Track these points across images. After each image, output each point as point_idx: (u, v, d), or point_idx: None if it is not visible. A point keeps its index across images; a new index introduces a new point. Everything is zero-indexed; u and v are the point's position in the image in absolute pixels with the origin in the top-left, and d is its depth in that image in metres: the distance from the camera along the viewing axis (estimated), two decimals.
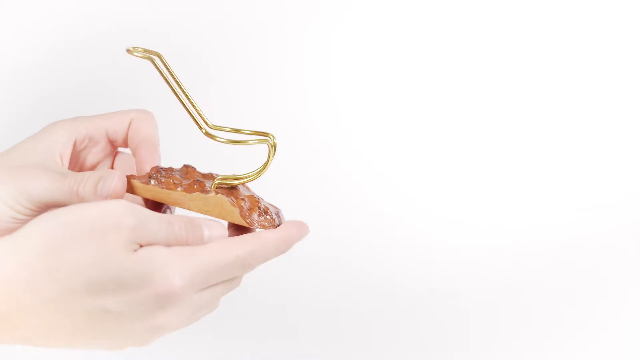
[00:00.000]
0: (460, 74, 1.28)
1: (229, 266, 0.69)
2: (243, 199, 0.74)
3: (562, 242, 1.26)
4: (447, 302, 1.22)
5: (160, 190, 0.74)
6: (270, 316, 1.19)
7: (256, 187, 0.79)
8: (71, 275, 0.66)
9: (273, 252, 0.72)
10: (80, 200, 0.72)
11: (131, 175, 0.76)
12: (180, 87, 0.74)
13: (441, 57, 1.27)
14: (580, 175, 1.29)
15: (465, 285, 1.24)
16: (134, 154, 0.80)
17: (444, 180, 1.28)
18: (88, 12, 1.21)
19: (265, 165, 0.74)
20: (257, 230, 0.74)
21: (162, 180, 0.75)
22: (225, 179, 0.74)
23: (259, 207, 0.74)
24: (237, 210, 0.73)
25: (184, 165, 0.77)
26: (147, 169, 0.78)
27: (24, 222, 0.71)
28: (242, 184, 0.75)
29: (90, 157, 0.82)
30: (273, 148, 0.74)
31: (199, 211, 0.74)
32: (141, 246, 0.67)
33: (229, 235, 0.72)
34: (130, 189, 0.75)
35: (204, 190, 0.74)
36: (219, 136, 0.75)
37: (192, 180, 0.75)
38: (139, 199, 0.77)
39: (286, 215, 0.77)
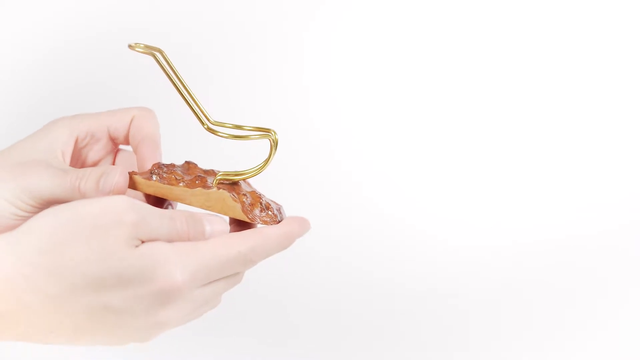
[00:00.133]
0: (460, 74, 1.28)
1: (230, 262, 0.69)
2: (245, 195, 0.74)
3: (562, 242, 1.26)
4: (447, 302, 1.22)
5: (162, 185, 0.74)
6: (270, 316, 1.19)
7: (256, 186, 0.79)
8: (72, 271, 0.66)
9: (275, 248, 0.72)
10: (82, 196, 0.72)
11: (133, 171, 0.76)
12: (182, 83, 0.75)
13: (441, 58, 1.28)
14: (580, 175, 1.29)
15: (465, 285, 1.24)
16: (135, 151, 0.80)
17: (444, 180, 1.28)
18: (88, 12, 1.21)
19: (267, 161, 0.74)
20: (259, 225, 0.74)
21: (164, 176, 0.75)
22: (227, 174, 0.75)
23: (261, 203, 0.74)
24: (238, 206, 0.73)
25: (186, 162, 0.78)
26: (149, 166, 0.78)
27: (25, 219, 0.71)
28: (244, 179, 0.75)
29: (92, 155, 0.82)
30: (275, 144, 0.74)
31: (201, 207, 0.74)
32: (143, 242, 0.67)
33: (231, 231, 0.73)
34: (132, 185, 0.76)
35: (205, 185, 0.74)
36: (221, 132, 0.75)
37: (193, 176, 0.75)
38: (140, 195, 0.77)
39: (286, 215, 0.77)
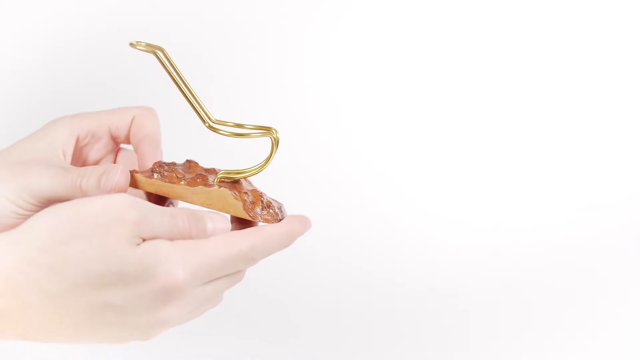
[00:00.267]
0: (460, 74, 1.28)
1: (232, 260, 0.70)
2: (246, 193, 0.74)
3: (562, 242, 1.26)
4: (447, 302, 1.22)
5: (163, 184, 0.75)
6: (270, 316, 1.19)
7: (257, 186, 0.79)
8: (73, 270, 0.66)
9: (276, 246, 0.72)
10: (84, 194, 0.72)
11: (134, 169, 0.76)
12: (183, 81, 0.75)
13: (441, 58, 1.28)
14: (580, 175, 1.29)
15: (465, 285, 1.24)
16: (136, 149, 0.81)
17: (443, 181, 1.28)
18: (88, 12, 1.21)
19: (268, 159, 0.75)
20: (260, 224, 0.74)
21: (165, 174, 0.75)
22: (228, 173, 0.75)
23: (262, 201, 0.74)
24: (240, 204, 0.73)
25: (187, 160, 0.78)
26: (149, 164, 0.78)
27: (26, 218, 0.71)
28: (245, 177, 0.75)
29: (93, 154, 0.82)
30: (276, 142, 0.74)
31: (202, 205, 0.74)
32: (144, 240, 0.67)
33: (232, 230, 0.73)
34: (133, 183, 0.76)
35: (207, 184, 0.74)
36: (222, 129, 0.75)
37: (195, 174, 0.75)
38: (141, 193, 0.77)
39: (287, 213, 0.77)
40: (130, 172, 0.75)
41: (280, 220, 0.74)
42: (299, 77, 1.26)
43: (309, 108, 1.26)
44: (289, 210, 0.77)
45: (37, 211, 0.72)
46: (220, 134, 0.75)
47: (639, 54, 1.29)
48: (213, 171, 0.77)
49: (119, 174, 0.73)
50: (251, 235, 0.70)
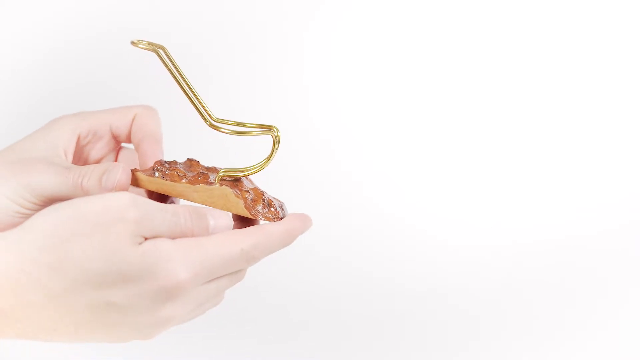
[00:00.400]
0: (460, 74, 1.28)
1: (233, 259, 0.69)
2: (247, 191, 0.74)
3: (562, 242, 1.27)
4: (447, 302, 1.22)
5: (164, 182, 0.74)
6: (270, 316, 1.19)
7: (258, 184, 0.79)
8: (74, 268, 0.66)
9: (277, 245, 0.72)
10: (85, 193, 0.72)
11: (135, 168, 0.76)
12: (185, 80, 0.75)
13: (441, 58, 1.28)
14: (580, 175, 1.29)
15: (465, 285, 1.24)
16: (137, 148, 0.81)
17: (443, 181, 1.28)
18: (88, 12, 1.21)
19: (269, 157, 0.74)
20: (262, 222, 0.74)
21: (167, 172, 0.75)
22: (230, 171, 0.75)
23: (263, 200, 0.74)
24: (241, 202, 0.73)
25: (188, 159, 0.78)
26: (150, 163, 0.78)
27: (27, 217, 0.71)
28: (246, 176, 0.75)
29: (94, 152, 0.82)
30: (277, 140, 0.74)
31: (204, 203, 0.74)
32: (146, 239, 0.67)
33: (234, 228, 0.73)
34: (135, 182, 0.76)
35: (208, 182, 0.74)
36: (224, 127, 0.75)
37: (196, 172, 0.75)
38: (143, 192, 0.77)
39: (288, 212, 0.77)
40: (132, 170, 0.75)
41: (282, 218, 0.74)
42: (299, 77, 1.26)
43: (309, 108, 1.26)
44: (289, 210, 0.77)
45: (38, 210, 0.72)
46: (221, 132, 0.75)
47: (638, 54, 1.29)
48: (214, 170, 0.77)
49: (120, 172, 0.73)
50: (252, 234, 0.70)
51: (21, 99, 1.19)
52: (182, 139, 1.14)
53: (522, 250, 1.26)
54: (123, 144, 0.85)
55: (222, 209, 0.73)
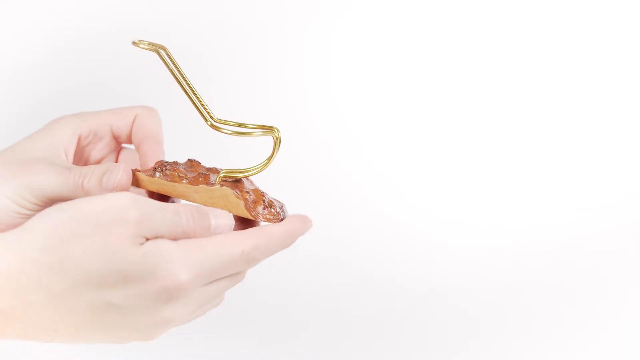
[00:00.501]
0: (460, 74, 1.28)
1: (235, 261, 0.69)
2: (248, 192, 0.74)
3: (562, 242, 1.27)
4: (447, 302, 1.22)
5: (165, 182, 0.74)
6: (270, 316, 1.19)
7: (258, 185, 0.79)
8: (74, 269, 0.66)
9: (278, 246, 0.72)
10: (86, 193, 0.72)
11: (136, 168, 0.76)
12: (186, 80, 0.75)
13: (441, 58, 1.28)
14: (580, 175, 1.29)
15: (465, 285, 1.24)
16: (138, 148, 0.80)
17: (443, 181, 1.28)
18: (88, 12, 1.21)
19: (270, 158, 0.74)
20: (262, 223, 0.74)
21: (167, 173, 0.75)
22: (231, 172, 0.74)
23: (264, 201, 0.74)
24: (242, 203, 0.73)
25: (189, 160, 0.78)
26: (151, 163, 0.78)
27: (28, 217, 0.71)
28: (247, 177, 0.75)
29: (95, 153, 0.82)
30: (278, 141, 0.74)
31: (204, 204, 0.74)
32: (147, 239, 0.67)
33: (235, 228, 0.72)
34: (135, 182, 0.75)
35: (208, 183, 0.74)
36: (225, 128, 0.75)
37: (196, 173, 0.75)
38: (143, 192, 0.77)
39: (289, 213, 0.77)
40: (132, 171, 0.75)
41: (282, 219, 0.74)
42: (299, 77, 1.26)
43: (309, 108, 1.26)
44: (289, 210, 0.77)
45: (39, 211, 0.71)
46: (222, 132, 0.75)
47: (638, 54, 1.29)
48: (215, 170, 0.77)
49: (121, 172, 0.73)
50: (253, 236, 0.70)
51: (21, 99, 1.19)
52: (182, 140, 1.14)
53: (522, 250, 1.26)
54: (124, 145, 0.84)
55: (222, 209, 0.73)
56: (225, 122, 0.75)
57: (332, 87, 1.27)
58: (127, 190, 0.73)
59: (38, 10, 1.20)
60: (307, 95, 1.26)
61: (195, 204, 0.74)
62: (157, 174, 0.75)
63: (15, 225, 0.71)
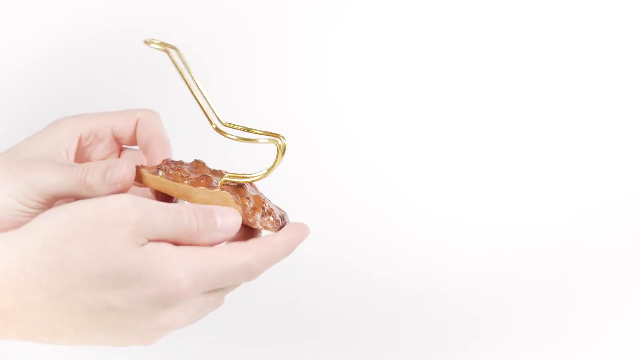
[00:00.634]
0: (460, 74, 1.28)
1: (236, 272, 0.69)
2: (248, 198, 0.73)
3: (562, 242, 1.27)
4: (447, 302, 1.22)
5: (166, 181, 0.74)
6: (270, 316, 1.19)
7: (261, 189, 0.79)
8: (74, 269, 0.66)
9: (279, 256, 0.71)
10: (89, 189, 0.72)
11: (140, 165, 0.76)
12: (195, 82, 0.74)
13: (441, 58, 1.28)
14: (580, 175, 1.29)
15: (465, 285, 1.24)
16: (145, 150, 0.80)
17: (443, 181, 1.28)
18: (88, 12, 1.21)
19: (272, 167, 0.74)
20: (263, 232, 0.73)
21: (170, 172, 0.74)
22: (233, 176, 0.74)
23: (263, 208, 0.74)
24: (240, 209, 0.72)
25: (195, 160, 0.77)
26: (160, 161, 0.78)
27: (32, 216, 0.71)
28: (249, 182, 0.75)
29: (95, 154, 0.82)
30: (282, 150, 0.73)
31: None
32: (150, 240, 0.67)
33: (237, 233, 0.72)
34: (139, 178, 0.75)
35: (210, 185, 0.74)
36: (229, 133, 0.74)
37: (200, 174, 0.75)
38: (149, 192, 0.77)
39: (290, 219, 0.76)
40: (136, 167, 0.75)
41: (281, 227, 0.74)
42: (299, 77, 1.26)
43: (309, 108, 1.26)
44: (288, 210, 0.77)
45: (42, 209, 0.72)
46: (226, 137, 0.74)
47: (638, 54, 1.29)
48: (219, 173, 0.76)
49: (125, 167, 0.72)
50: (254, 247, 0.69)
51: (21, 99, 1.19)
52: (183, 140, 1.13)
53: (522, 250, 1.26)
54: (125, 146, 0.84)
55: None
56: (232, 126, 0.74)
57: (332, 87, 1.27)
58: (130, 185, 0.72)
59: (38, 10, 1.20)
60: (307, 96, 1.26)
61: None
62: (160, 173, 0.75)
63: (18, 224, 0.71)
